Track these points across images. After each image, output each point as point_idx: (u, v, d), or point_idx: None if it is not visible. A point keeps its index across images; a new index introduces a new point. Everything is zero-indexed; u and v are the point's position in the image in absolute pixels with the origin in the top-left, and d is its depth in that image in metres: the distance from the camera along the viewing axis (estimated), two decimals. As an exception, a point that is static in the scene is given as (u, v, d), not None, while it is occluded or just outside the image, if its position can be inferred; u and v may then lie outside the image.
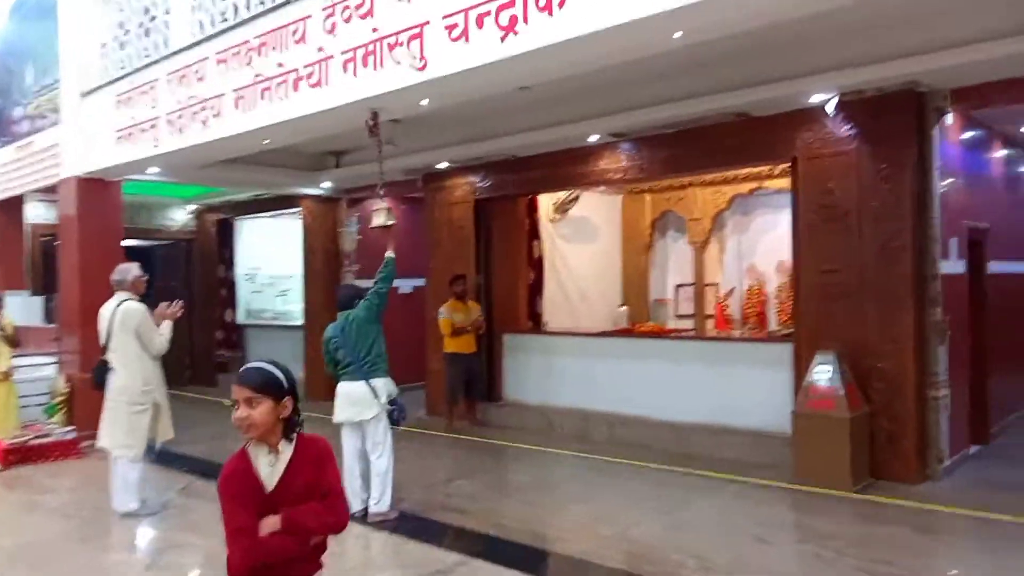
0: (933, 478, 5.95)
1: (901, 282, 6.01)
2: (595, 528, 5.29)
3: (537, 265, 9.89)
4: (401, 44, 5.13)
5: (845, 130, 6.28)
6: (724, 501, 5.86)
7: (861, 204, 6.19)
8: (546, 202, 10.13)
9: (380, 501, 5.41)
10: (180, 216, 13.14)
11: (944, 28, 5.34)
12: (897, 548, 4.70)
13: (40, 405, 8.47)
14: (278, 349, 12.21)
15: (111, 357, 5.66)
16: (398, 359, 11.44)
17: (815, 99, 6.22)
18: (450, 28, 4.82)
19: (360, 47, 5.41)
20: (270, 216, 12.84)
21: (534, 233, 9.87)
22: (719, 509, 5.68)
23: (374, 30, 5.31)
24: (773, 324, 10.41)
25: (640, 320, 10.82)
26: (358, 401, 5.44)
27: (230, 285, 13.30)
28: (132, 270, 5.84)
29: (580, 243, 10.95)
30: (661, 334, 8.54)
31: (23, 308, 10.31)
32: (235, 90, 6.50)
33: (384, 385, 5.48)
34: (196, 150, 7.31)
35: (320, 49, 5.71)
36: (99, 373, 5.67)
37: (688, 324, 10.86)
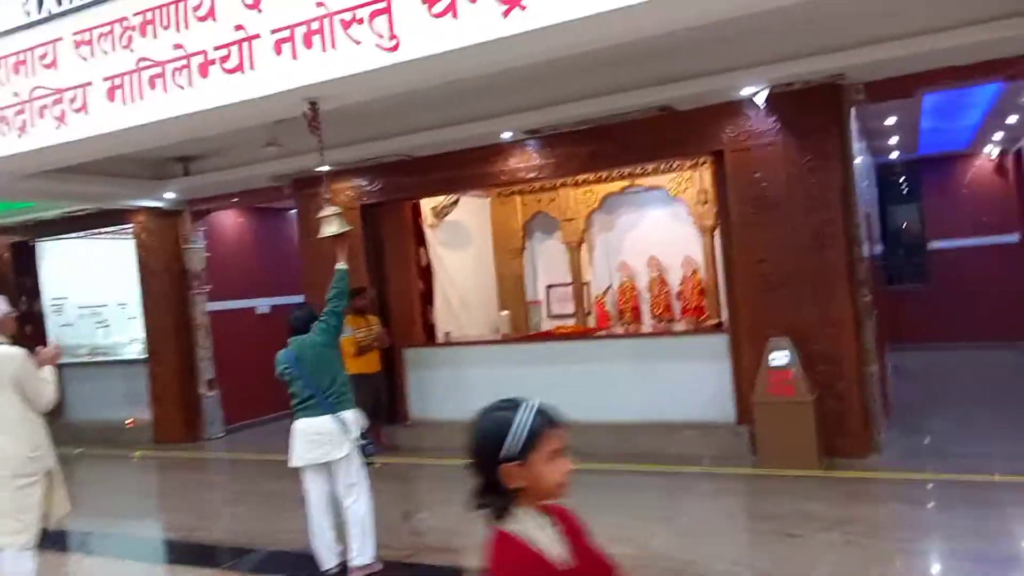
0: (876, 450, 6.29)
1: (835, 267, 6.29)
2: (612, 547, 4.91)
3: (425, 273, 9.30)
4: (360, 21, 4.43)
5: (771, 123, 6.47)
6: (709, 498, 5.79)
7: (790, 194, 6.40)
8: (425, 207, 9.59)
9: (362, 552, 4.64)
10: (-44, 241, 10.85)
11: (871, 25, 5.63)
12: (909, 526, 4.85)
13: None
14: (105, 390, 10.47)
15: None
16: (258, 387, 10.47)
17: (745, 92, 6.33)
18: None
19: (301, 24, 4.61)
20: (81, 236, 10.99)
21: (420, 239, 9.28)
22: (711, 507, 5.58)
23: (319, 4, 4.55)
24: (647, 318, 10.69)
25: (519, 325, 10.60)
26: (326, 439, 4.62)
27: (36, 319, 11.17)
28: (0, 304, 4.55)
29: (457, 249, 10.53)
30: (584, 334, 8.35)
31: None
32: (107, 78, 5.32)
33: (354, 418, 4.72)
34: (40, 154, 5.93)
35: (239, 28, 4.81)
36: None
37: (562, 324, 10.85)
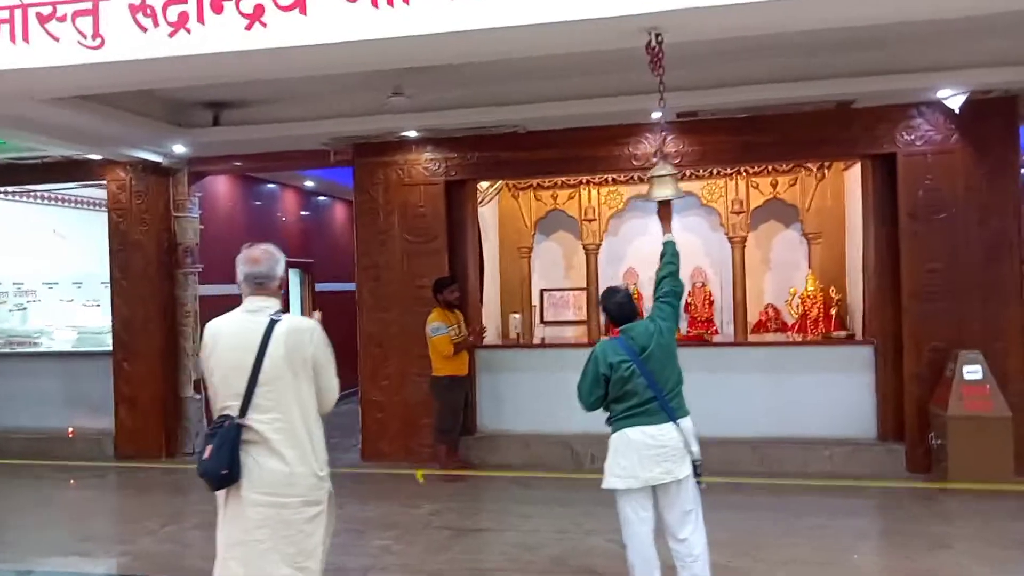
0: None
1: (1007, 280, 6.22)
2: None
3: (480, 266, 8.24)
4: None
5: (949, 128, 6.31)
6: (915, 519, 5.38)
7: (966, 203, 6.27)
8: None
9: (707, 597, 3.70)
10: None
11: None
12: None
13: None
14: (28, 389, 8.20)
15: (259, 424, 2.91)
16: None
17: (940, 94, 6.11)
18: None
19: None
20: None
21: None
22: (930, 530, 5.15)
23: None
24: None
25: (524, 331, 9.77)
26: (670, 453, 3.64)
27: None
28: (280, 259, 3.15)
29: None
30: (702, 341, 7.72)
31: None
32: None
33: (691, 427, 3.77)
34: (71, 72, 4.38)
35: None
36: (226, 457, 2.86)
37: (554, 332, 10.19)
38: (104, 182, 7.90)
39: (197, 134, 7.17)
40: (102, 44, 4.22)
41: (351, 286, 11.97)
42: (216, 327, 3.04)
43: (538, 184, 10.09)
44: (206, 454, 2.90)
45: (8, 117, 5.86)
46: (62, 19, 4.16)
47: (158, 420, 7.79)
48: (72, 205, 9.72)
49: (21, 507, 6.37)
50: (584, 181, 9.93)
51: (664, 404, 3.66)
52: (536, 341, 9.02)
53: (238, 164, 8.18)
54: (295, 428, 2.94)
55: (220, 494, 2.97)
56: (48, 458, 7.80)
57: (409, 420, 7.21)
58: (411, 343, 7.11)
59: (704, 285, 10.22)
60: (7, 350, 8.60)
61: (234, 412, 2.91)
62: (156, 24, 4.03)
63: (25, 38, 4.25)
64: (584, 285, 10.39)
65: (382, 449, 7.27)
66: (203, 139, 7.20)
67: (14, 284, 9.17)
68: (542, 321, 10.67)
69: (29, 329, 8.87)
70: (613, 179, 9.78)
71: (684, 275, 9.85)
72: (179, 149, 7.45)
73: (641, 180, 9.76)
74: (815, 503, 5.80)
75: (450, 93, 6.40)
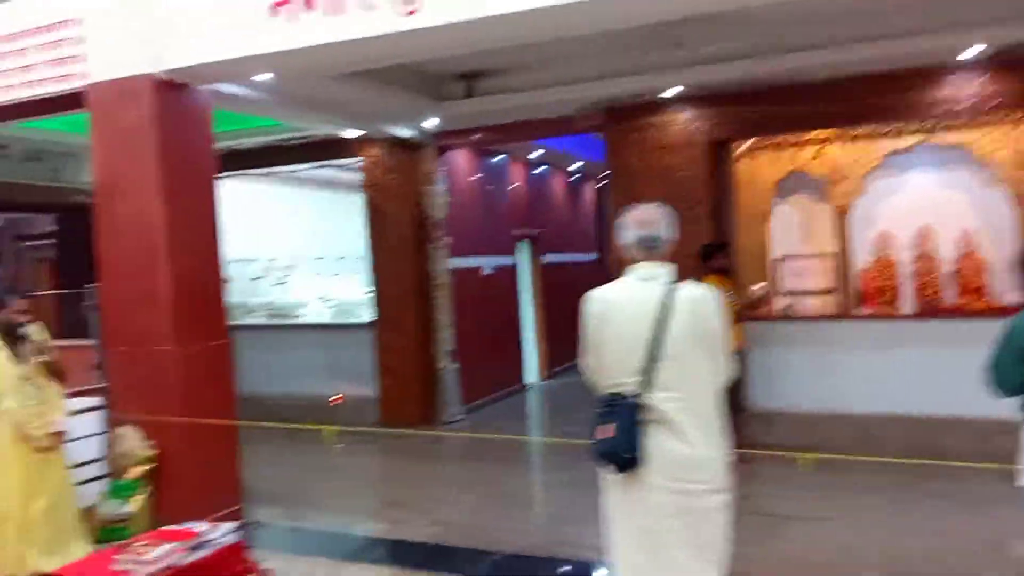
0: None
1: None
2: None
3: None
4: None
5: None
6: None
7: None
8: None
9: None
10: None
11: None
12: None
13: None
14: (291, 360, 8.68)
15: (660, 403, 2.67)
16: (491, 361, 8.77)
17: None
18: None
19: None
20: (261, 174, 9.14)
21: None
22: None
23: None
24: (909, 300, 9.23)
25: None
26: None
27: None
28: (671, 220, 2.91)
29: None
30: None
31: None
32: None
33: None
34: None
35: None
36: (629, 439, 2.65)
37: (795, 301, 9.38)
38: (359, 160, 8.16)
39: (449, 106, 7.18)
40: (414, 11, 4.18)
41: (575, 257, 11.93)
42: (605, 296, 2.82)
43: (778, 143, 9.36)
44: (602, 433, 2.70)
45: (298, 97, 6.09)
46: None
47: (417, 389, 8.03)
48: (318, 186, 10.22)
49: (314, 469, 6.72)
50: (833, 137, 9.08)
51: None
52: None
53: (481, 136, 8.17)
54: (699, 407, 2.67)
55: (611, 478, 2.78)
56: (317, 423, 8.24)
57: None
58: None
59: (973, 252, 9.06)
60: (272, 322, 9.20)
61: (630, 390, 2.69)
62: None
63: (342, 9, 4.28)
64: (829, 251, 9.57)
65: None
66: (456, 111, 7.20)
67: (270, 260, 9.80)
68: (778, 291, 9.97)
69: (290, 302, 9.44)
70: (865, 134, 8.87)
71: (948, 239, 8.80)
72: (431, 123, 7.51)
73: (900, 133, 8.80)
74: None
75: (725, 44, 5.93)
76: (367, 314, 8.42)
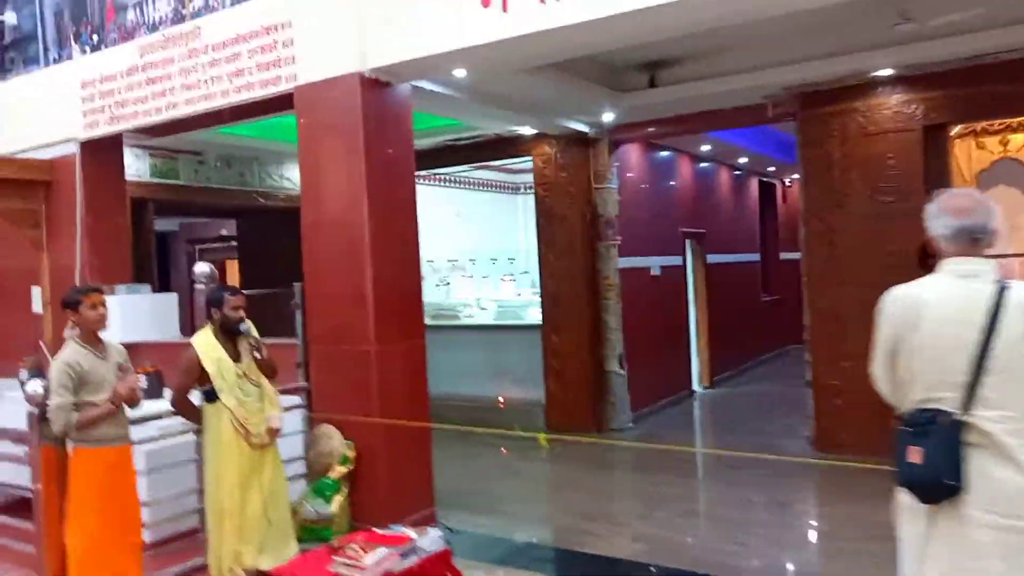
0: None
1: None
2: None
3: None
4: None
5: None
6: None
7: None
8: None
9: None
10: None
11: None
12: None
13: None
14: (456, 360, 8.59)
15: (987, 423, 2.25)
16: (660, 366, 8.42)
17: None
18: None
19: None
20: (435, 176, 9.19)
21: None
22: None
23: None
24: None
25: None
26: None
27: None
28: (994, 209, 2.47)
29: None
30: None
31: (149, 313, 6.32)
32: None
33: None
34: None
35: None
36: (949, 465, 2.24)
37: None
38: (528, 159, 8.00)
39: (631, 97, 6.88)
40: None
41: (739, 257, 11.31)
42: (917, 295, 2.40)
43: (983, 129, 8.42)
44: (912, 457, 2.31)
45: (485, 93, 5.97)
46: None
47: (585, 393, 7.76)
48: (474, 188, 10.20)
49: (491, 472, 6.60)
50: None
51: None
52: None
53: (658, 130, 7.82)
54: (1033, 430, 2.23)
55: (913, 507, 2.37)
56: (483, 425, 8.15)
57: (876, 408, 6.26)
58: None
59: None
60: (437, 323, 9.22)
61: (949, 405, 2.28)
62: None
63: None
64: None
65: (841, 439, 6.42)
66: (637, 102, 6.89)
67: (428, 261, 9.85)
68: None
69: (454, 302, 9.44)
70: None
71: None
72: (608, 116, 7.23)
73: None
74: None
75: (958, 16, 5.28)
76: (535, 316, 8.26)
